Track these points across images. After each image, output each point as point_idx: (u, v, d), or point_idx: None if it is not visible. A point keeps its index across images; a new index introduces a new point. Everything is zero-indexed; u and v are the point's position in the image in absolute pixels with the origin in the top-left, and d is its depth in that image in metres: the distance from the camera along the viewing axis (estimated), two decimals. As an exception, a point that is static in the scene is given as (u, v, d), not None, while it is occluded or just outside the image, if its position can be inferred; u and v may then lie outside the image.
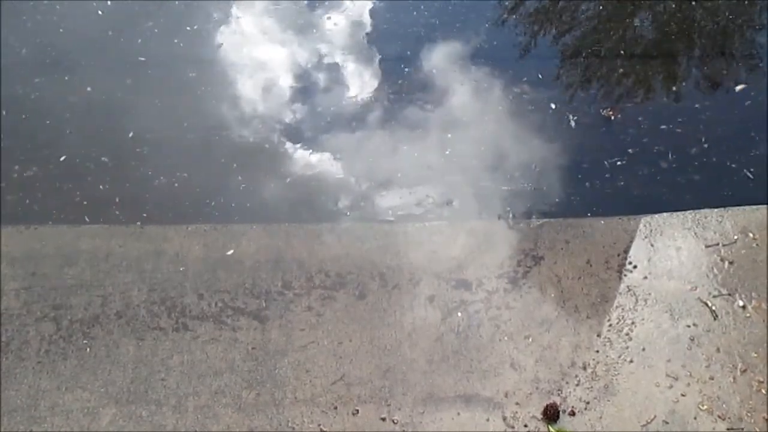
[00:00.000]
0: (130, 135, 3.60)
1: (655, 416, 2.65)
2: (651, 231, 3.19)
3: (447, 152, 3.56)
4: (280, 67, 3.99)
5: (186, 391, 2.73)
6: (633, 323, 2.90)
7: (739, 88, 3.76)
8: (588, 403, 2.69)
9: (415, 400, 2.71)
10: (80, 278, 3.04)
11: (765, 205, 3.25)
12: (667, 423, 2.63)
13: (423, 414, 2.67)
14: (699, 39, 4.12)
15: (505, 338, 2.87)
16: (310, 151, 3.60)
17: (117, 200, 3.35)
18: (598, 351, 2.83)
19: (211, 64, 3.98)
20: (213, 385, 2.75)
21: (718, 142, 3.55)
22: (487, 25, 4.20)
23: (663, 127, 3.63)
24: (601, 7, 4.37)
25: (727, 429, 2.61)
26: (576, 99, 3.80)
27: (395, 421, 2.66)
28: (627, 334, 2.87)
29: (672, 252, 3.11)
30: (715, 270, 3.05)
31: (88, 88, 3.80)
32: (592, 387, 2.73)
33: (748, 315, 2.91)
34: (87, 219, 3.26)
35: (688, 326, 2.88)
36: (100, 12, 4.17)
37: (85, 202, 3.33)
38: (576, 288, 3.02)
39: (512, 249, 3.16)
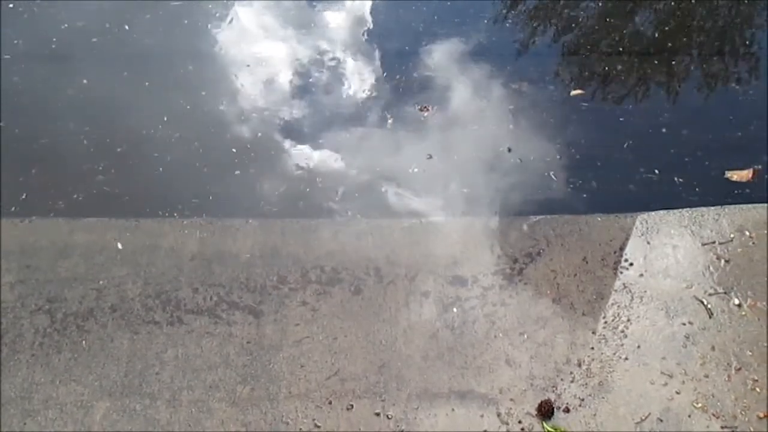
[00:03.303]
0: (127, 128, 3.59)
1: (649, 414, 2.65)
2: (647, 229, 3.18)
3: (444, 149, 3.55)
4: (279, 62, 3.98)
5: (180, 385, 2.72)
6: (628, 321, 2.90)
7: (574, 92, 3.75)
8: (582, 400, 2.69)
9: (409, 395, 2.71)
10: (75, 271, 3.04)
11: (762, 204, 3.25)
12: (661, 421, 2.63)
13: (417, 410, 2.67)
14: (697, 37, 4.12)
15: (501, 335, 2.87)
16: (307, 146, 3.59)
17: (112, 193, 3.34)
18: (593, 348, 2.83)
19: (209, 58, 3.97)
20: (207, 380, 2.74)
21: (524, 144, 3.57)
22: (486, 22, 4.19)
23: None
24: (600, 5, 4.36)
25: (721, 427, 2.61)
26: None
27: (390, 417, 2.65)
28: (622, 332, 2.86)
29: (668, 250, 3.11)
30: (711, 268, 3.05)
31: (85, 81, 3.79)
32: (586, 384, 2.73)
33: (743, 313, 2.90)
34: (82, 212, 3.25)
35: (684, 324, 2.88)
36: (97, 5, 4.16)
37: (80, 196, 3.32)
38: (572, 285, 3.02)
39: (508, 246, 3.15)
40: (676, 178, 3.39)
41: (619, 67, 3.96)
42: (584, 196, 3.36)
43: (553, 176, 3.39)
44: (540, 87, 3.83)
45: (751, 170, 3.35)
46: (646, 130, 3.62)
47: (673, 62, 3.93)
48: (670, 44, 4.05)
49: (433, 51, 4.01)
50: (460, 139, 3.60)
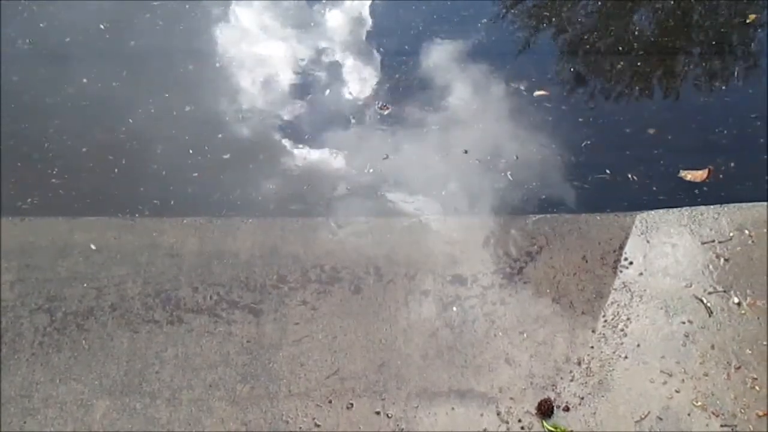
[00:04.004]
0: (126, 127, 3.59)
1: (649, 412, 2.65)
2: (647, 228, 3.18)
3: (443, 147, 3.55)
4: (279, 62, 3.98)
5: (180, 384, 2.73)
6: (628, 319, 2.90)
7: (538, 93, 3.74)
8: (582, 398, 2.70)
9: (409, 394, 2.71)
10: (74, 270, 3.04)
11: (762, 203, 3.25)
12: (661, 419, 2.63)
13: (417, 408, 2.67)
14: (697, 36, 4.12)
15: (500, 334, 2.87)
16: (307, 145, 3.59)
17: (112, 192, 3.34)
18: (592, 347, 2.83)
19: (209, 58, 3.97)
20: (207, 379, 2.74)
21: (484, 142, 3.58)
22: (485, 21, 4.19)
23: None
24: (600, 3, 4.36)
25: (721, 426, 2.61)
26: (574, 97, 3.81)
27: (389, 416, 2.66)
28: (622, 330, 2.87)
29: (668, 249, 3.11)
30: (711, 267, 3.05)
31: (85, 80, 3.79)
32: (586, 383, 2.73)
33: (743, 312, 2.91)
34: (82, 211, 3.25)
35: (683, 323, 2.88)
36: (97, 3, 4.16)
37: (79, 194, 3.32)
38: (571, 284, 3.02)
39: (508, 245, 3.15)
40: (630, 176, 3.39)
41: (589, 67, 3.96)
42: (543, 197, 3.35)
43: (509, 176, 3.40)
44: (503, 87, 3.83)
45: (706, 170, 3.33)
46: (606, 131, 3.62)
47: (639, 63, 3.93)
48: (636, 44, 4.04)
49: (425, 51, 4.02)
50: (418, 137, 3.60)
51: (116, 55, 3.92)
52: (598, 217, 3.24)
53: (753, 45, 4.04)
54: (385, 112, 3.62)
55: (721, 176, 3.38)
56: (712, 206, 3.24)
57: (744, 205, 3.24)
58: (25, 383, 2.72)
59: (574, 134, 3.60)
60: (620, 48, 4.03)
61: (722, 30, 4.14)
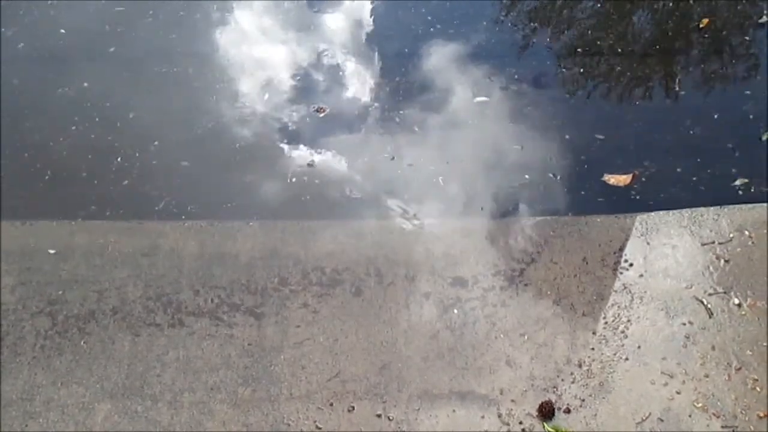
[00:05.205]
0: (127, 130, 3.59)
1: (650, 414, 2.65)
2: (647, 229, 3.19)
3: (443, 150, 3.56)
4: (279, 64, 3.98)
5: (181, 386, 2.73)
6: (629, 321, 2.90)
7: (478, 99, 3.73)
8: (583, 400, 2.70)
9: (410, 397, 2.71)
10: (75, 273, 3.04)
11: (761, 204, 3.26)
12: (662, 421, 2.63)
13: (418, 411, 2.68)
14: (696, 37, 4.12)
15: (501, 336, 2.88)
16: (307, 148, 3.59)
17: (113, 195, 3.34)
18: (593, 349, 2.83)
19: (209, 60, 3.98)
20: (208, 381, 2.74)
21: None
22: (485, 23, 4.19)
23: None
24: (599, 5, 4.36)
25: (722, 427, 2.62)
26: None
27: (391, 418, 2.66)
28: (622, 332, 2.87)
29: (668, 250, 3.12)
30: (711, 268, 3.05)
31: (85, 83, 3.79)
32: (587, 384, 2.74)
33: (743, 313, 2.91)
34: (82, 214, 3.26)
35: (684, 324, 2.88)
36: (97, 6, 4.16)
37: (80, 197, 3.32)
38: (572, 286, 3.02)
39: (508, 247, 3.16)
40: (550, 175, 3.40)
41: (529, 73, 3.95)
42: (482, 207, 3.33)
43: (441, 181, 3.41)
44: (451, 93, 3.83)
45: (630, 175, 3.30)
46: (539, 136, 3.59)
47: (587, 68, 3.93)
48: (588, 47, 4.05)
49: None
50: (346, 141, 3.62)
51: (116, 56, 3.93)
52: (598, 219, 3.24)
53: (707, 50, 3.99)
54: (321, 114, 3.63)
55: (644, 179, 3.37)
56: (712, 207, 3.25)
57: (744, 206, 3.25)
58: (26, 386, 2.72)
59: (505, 139, 3.59)
60: (567, 50, 4.04)
61: (670, 34, 4.10)
